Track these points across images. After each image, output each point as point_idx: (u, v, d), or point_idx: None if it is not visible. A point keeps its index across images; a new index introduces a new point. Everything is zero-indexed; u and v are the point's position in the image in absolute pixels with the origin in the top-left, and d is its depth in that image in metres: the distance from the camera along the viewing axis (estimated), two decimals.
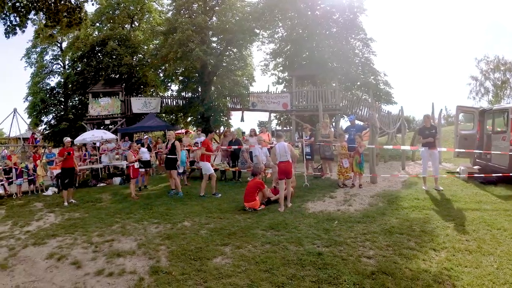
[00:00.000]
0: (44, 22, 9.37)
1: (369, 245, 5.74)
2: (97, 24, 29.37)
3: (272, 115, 25.47)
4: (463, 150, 11.09)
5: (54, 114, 31.11)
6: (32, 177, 13.97)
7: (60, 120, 29.13)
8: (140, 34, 29.56)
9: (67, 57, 31.16)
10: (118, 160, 17.47)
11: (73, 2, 8.71)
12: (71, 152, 11.31)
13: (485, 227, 6.28)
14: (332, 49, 23.45)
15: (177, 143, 11.53)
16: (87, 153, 17.38)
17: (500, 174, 9.68)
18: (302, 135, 12.95)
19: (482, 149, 11.51)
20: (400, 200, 8.64)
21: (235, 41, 23.30)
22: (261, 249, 5.78)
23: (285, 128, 28.69)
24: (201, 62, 21.69)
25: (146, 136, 19.38)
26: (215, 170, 13.94)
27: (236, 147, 13.44)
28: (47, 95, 30.74)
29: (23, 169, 13.91)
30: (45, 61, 31.73)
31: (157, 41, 27.25)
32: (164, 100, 26.12)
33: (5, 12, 8.31)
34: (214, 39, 25.41)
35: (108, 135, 17.81)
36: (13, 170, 13.71)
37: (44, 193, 13.55)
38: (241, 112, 25.49)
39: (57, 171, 14.04)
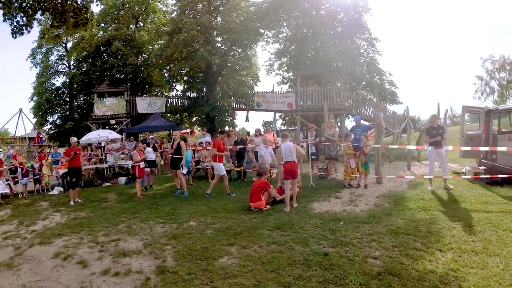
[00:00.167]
0: (50, 22, 9.42)
1: (375, 245, 5.73)
2: (102, 25, 29.44)
3: (277, 115, 25.43)
4: (469, 149, 11.02)
5: (59, 114, 31.21)
6: (38, 176, 14.04)
7: (66, 120, 29.22)
8: (145, 34, 29.61)
9: (72, 57, 31.26)
10: (123, 159, 17.53)
11: (79, 2, 8.75)
12: (78, 152, 11.36)
13: (491, 228, 6.25)
14: (337, 49, 23.42)
15: (182, 143, 11.55)
16: (91, 152, 17.44)
17: (506, 176, 9.62)
18: (308, 135, 12.91)
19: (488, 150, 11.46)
20: (406, 200, 8.62)
21: (239, 41, 23.32)
22: (267, 249, 5.78)
23: (290, 128, 28.63)
24: (206, 62, 21.71)
25: (151, 136, 19.43)
26: None
27: (242, 146, 13.44)
28: (53, 95, 30.85)
29: (28, 169, 13.98)
30: (50, 61, 31.86)
31: (162, 41, 27.29)
32: (169, 100, 26.09)
33: (11, 12, 8.33)
34: (219, 39, 25.47)
35: (114, 135, 17.86)
36: (19, 170, 13.78)
37: (49, 193, 13.61)
38: (246, 112, 25.42)
39: (62, 170, 14.12)
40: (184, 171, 11.43)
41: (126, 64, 25.98)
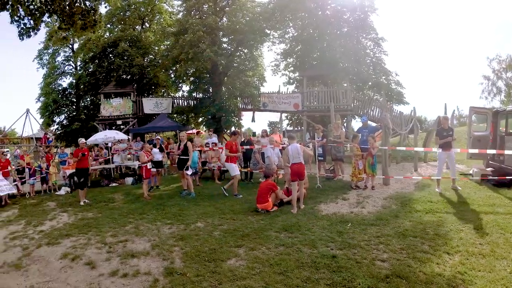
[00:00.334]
0: (57, 24, 9.42)
1: (383, 248, 5.72)
2: (108, 26, 29.55)
3: (283, 115, 25.41)
4: (477, 151, 10.95)
5: (66, 115, 31.32)
6: (45, 175, 14.12)
7: (72, 121, 29.31)
8: (151, 35, 29.70)
9: (79, 58, 31.33)
10: (130, 160, 17.59)
11: (87, 4, 8.75)
12: (86, 153, 11.43)
13: (499, 231, 6.22)
14: (343, 49, 23.29)
15: (189, 144, 11.55)
16: (97, 153, 17.53)
17: None
18: (315, 136, 12.89)
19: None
20: (413, 202, 8.58)
21: (245, 41, 23.34)
22: (275, 251, 5.79)
23: (295, 129, 28.58)
24: (212, 63, 21.77)
25: (157, 137, 19.45)
26: (226, 171, 14.02)
27: (248, 147, 13.44)
28: (59, 96, 30.95)
29: (36, 169, 14.07)
30: (57, 62, 31.98)
31: (168, 42, 27.39)
32: (175, 100, 26.17)
33: (19, 14, 8.34)
34: (225, 39, 25.45)
35: (120, 135, 17.92)
36: (26, 170, 13.87)
37: (57, 193, 13.68)
38: (252, 112, 25.49)
39: (70, 171, 14.19)
40: (189, 173, 11.42)
41: (133, 65, 26.05)
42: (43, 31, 31.09)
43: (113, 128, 24.33)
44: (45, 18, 8.95)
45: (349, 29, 24.84)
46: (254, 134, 21.01)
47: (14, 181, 13.47)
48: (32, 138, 25.05)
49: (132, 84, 27.06)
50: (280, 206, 8.93)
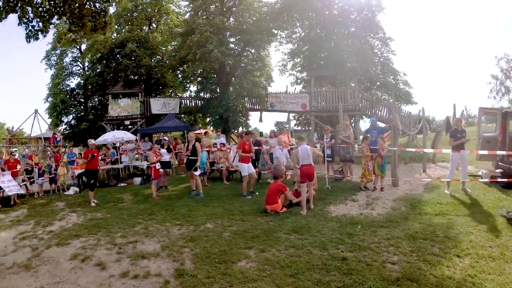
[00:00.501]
0: (67, 26, 9.36)
1: (393, 250, 5.71)
2: (116, 27, 29.60)
3: (291, 115, 25.33)
4: (486, 153, 10.87)
5: (74, 115, 31.44)
6: (54, 175, 14.21)
7: (80, 121, 29.46)
8: (158, 36, 29.74)
9: (87, 59, 31.48)
10: (138, 160, 17.65)
11: (97, 6, 8.73)
12: (96, 154, 11.50)
13: (508, 234, 6.18)
14: (351, 49, 23.20)
15: (197, 144, 11.56)
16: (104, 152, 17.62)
17: None
18: (324, 136, 12.83)
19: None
20: (422, 204, 8.55)
21: (253, 41, 23.31)
22: (285, 253, 5.78)
23: (303, 129, 28.54)
24: (219, 63, 21.81)
25: (165, 137, 19.48)
26: (234, 171, 14.01)
27: (256, 148, 13.40)
28: (67, 96, 31.04)
29: (45, 169, 14.16)
30: (64, 63, 32.09)
31: (175, 43, 27.40)
32: (183, 101, 26.20)
33: (27, 16, 8.28)
34: (232, 40, 25.43)
35: (129, 135, 17.99)
36: (35, 170, 13.97)
37: (65, 193, 13.75)
38: (259, 112, 25.49)
39: (78, 171, 14.27)
40: (197, 173, 11.40)
41: (140, 65, 26.14)
42: (51, 32, 31.22)
43: (121, 128, 24.43)
44: (54, 20, 8.91)
45: (357, 29, 24.77)
46: (261, 134, 21.00)
47: (23, 181, 13.57)
48: (40, 138, 25.24)
49: (139, 84, 27.14)
50: (289, 207, 8.91)
